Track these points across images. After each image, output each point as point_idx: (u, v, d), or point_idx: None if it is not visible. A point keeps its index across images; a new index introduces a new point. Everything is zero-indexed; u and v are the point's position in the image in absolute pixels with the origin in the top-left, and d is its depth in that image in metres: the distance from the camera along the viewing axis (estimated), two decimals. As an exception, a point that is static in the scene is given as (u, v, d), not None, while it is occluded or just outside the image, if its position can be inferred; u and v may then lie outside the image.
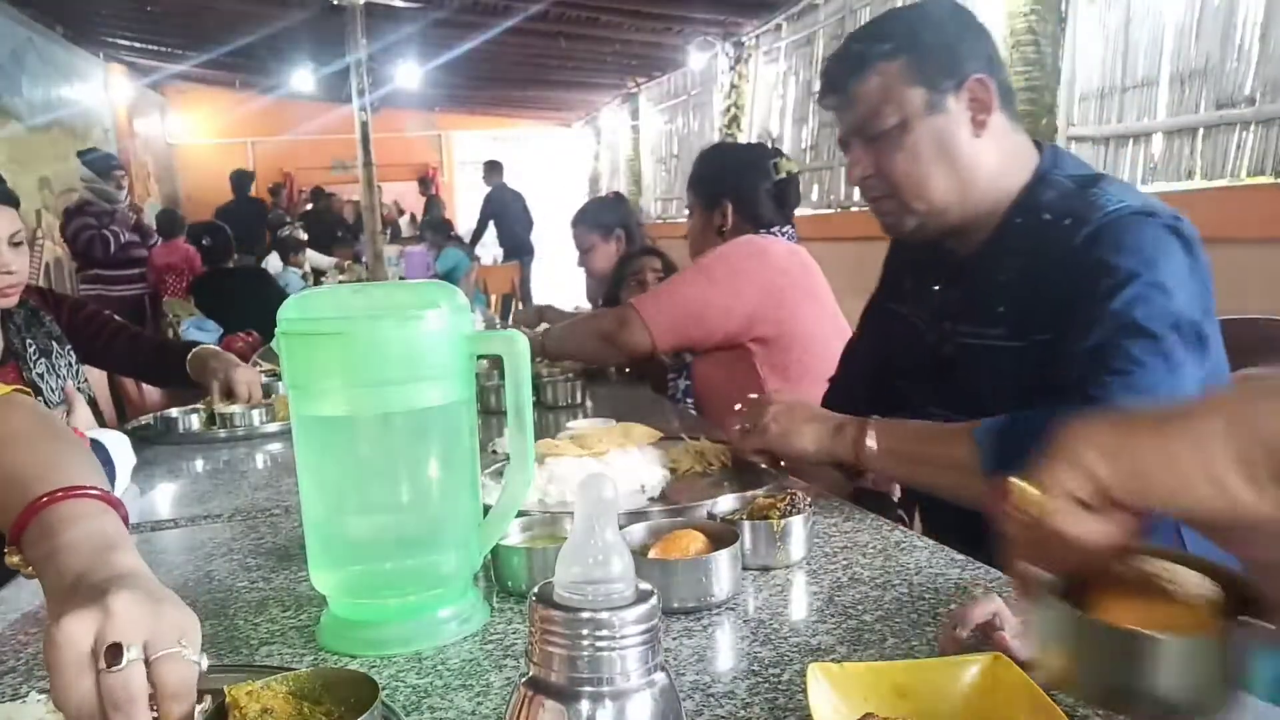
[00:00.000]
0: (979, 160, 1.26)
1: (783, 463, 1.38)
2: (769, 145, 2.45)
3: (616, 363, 2.51)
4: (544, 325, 2.65)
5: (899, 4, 1.45)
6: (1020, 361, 1.20)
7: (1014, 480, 0.54)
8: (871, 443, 1.23)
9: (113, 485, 1.43)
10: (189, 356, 2.13)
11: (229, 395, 2.03)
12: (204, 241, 6.15)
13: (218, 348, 2.23)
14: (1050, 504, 0.52)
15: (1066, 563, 0.54)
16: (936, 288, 1.37)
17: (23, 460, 0.77)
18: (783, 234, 2.19)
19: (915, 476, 1.29)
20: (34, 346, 1.90)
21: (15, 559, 0.71)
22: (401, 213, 12.59)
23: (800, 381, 2.03)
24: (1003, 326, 1.24)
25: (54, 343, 1.97)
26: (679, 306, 2.06)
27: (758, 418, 1.34)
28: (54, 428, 0.86)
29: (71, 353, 2.01)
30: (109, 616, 0.59)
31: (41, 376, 1.87)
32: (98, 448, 1.43)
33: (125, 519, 0.74)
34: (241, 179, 9.69)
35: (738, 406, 1.43)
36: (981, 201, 1.27)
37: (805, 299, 2.07)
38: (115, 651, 0.58)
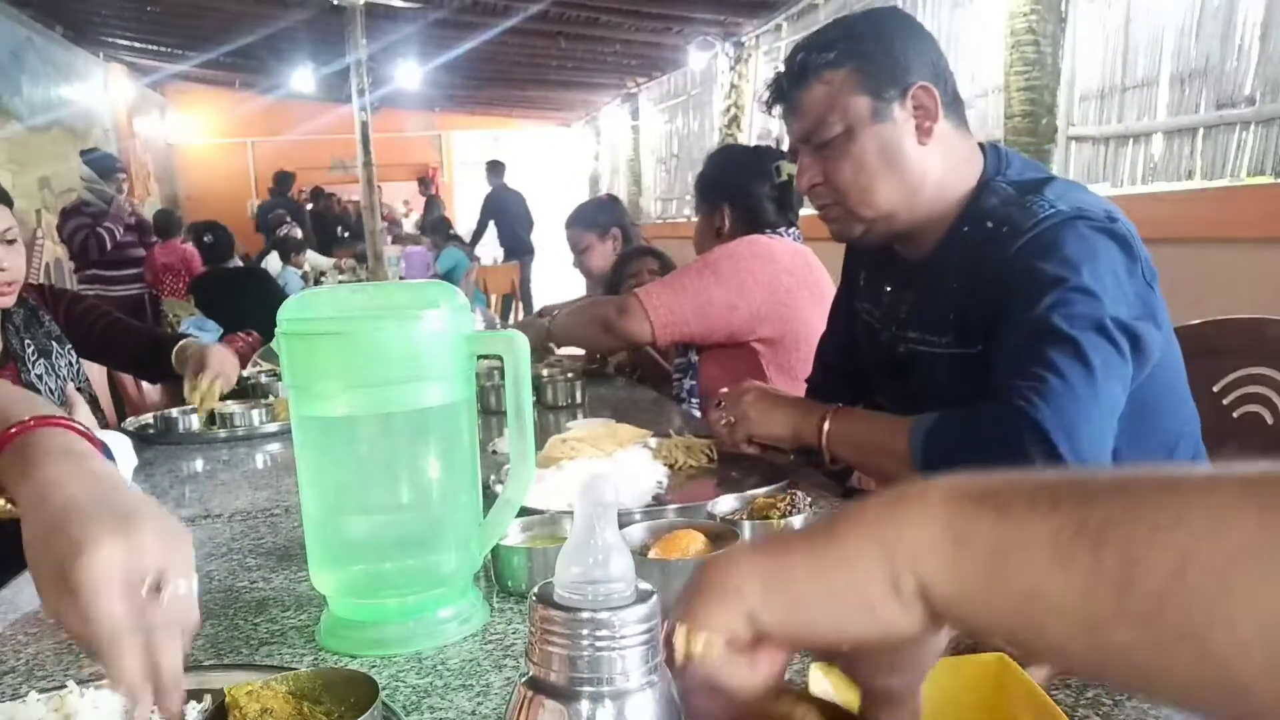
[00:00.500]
0: (925, 167, 1.26)
1: (782, 450, 1.41)
2: (774, 147, 2.44)
3: (615, 350, 2.48)
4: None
5: (898, 4, 1.46)
6: (965, 370, 1.23)
7: (675, 625, 0.50)
8: (827, 428, 1.30)
9: None
10: (175, 350, 2.15)
11: (199, 374, 2.04)
12: (205, 239, 6.15)
13: (204, 342, 2.23)
14: (705, 647, 0.48)
15: (726, 711, 0.50)
16: (889, 289, 1.39)
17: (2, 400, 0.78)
18: (788, 234, 2.19)
19: (864, 465, 1.38)
20: (33, 347, 1.90)
21: None
22: (408, 214, 12.63)
23: (804, 367, 2.04)
24: (950, 334, 1.26)
25: (53, 342, 1.97)
26: (683, 300, 2.05)
27: (736, 408, 1.41)
28: (29, 394, 0.88)
29: (71, 351, 2.01)
30: (140, 552, 0.62)
31: (40, 377, 1.88)
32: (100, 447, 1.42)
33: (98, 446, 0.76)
34: (284, 179, 10.83)
35: (716, 403, 1.48)
36: (929, 208, 1.28)
37: (810, 299, 2.08)
38: (158, 582, 0.62)
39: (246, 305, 5.36)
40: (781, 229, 2.19)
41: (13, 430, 0.72)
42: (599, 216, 3.28)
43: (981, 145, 1.32)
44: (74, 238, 5.65)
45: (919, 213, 1.28)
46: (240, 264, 6.81)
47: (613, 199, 3.70)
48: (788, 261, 2.09)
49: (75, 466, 0.69)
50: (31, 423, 0.72)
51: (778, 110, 1.36)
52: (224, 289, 5.77)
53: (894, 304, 1.37)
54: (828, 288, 2.15)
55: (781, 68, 1.34)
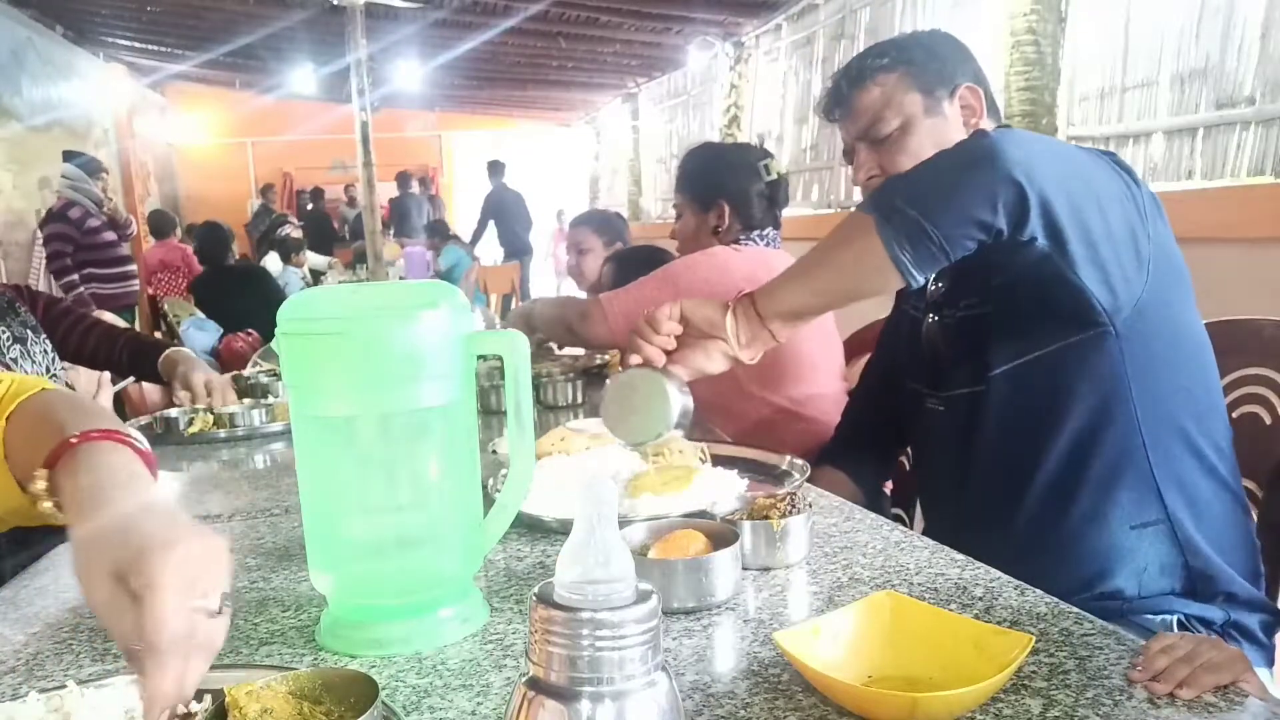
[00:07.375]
0: None
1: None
2: (758, 146, 2.44)
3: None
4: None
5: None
6: (993, 325, 1.31)
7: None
8: (761, 309, 1.32)
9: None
10: (161, 359, 2.16)
11: (189, 394, 2.08)
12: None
13: (188, 350, 2.25)
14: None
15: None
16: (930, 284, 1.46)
17: (62, 413, 0.83)
18: (762, 239, 2.20)
19: (825, 285, 1.30)
20: (8, 334, 1.91)
21: (40, 485, 0.75)
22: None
23: (780, 382, 2.08)
24: (975, 295, 1.34)
25: (29, 331, 1.98)
26: (643, 306, 2.07)
27: (663, 328, 1.32)
28: (84, 405, 0.91)
29: (47, 341, 2.02)
30: (202, 566, 0.64)
31: (15, 361, 1.88)
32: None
33: (153, 468, 0.79)
34: (267, 191, 11.64)
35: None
36: None
37: None
38: (223, 600, 0.65)
39: (247, 304, 5.37)
40: (758, 231, 2.20)
41: (72, 441, 0.75)
42: (591, 227, 3.32)
43: None
44: (51, 242, 5.65)
45: None
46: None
47: (607, 218, 3.60)
48: (746, 271, 2.09)
49: (129, 478, 0.73)
50: (94, 435, 0.76)
51: (836, 113, 1.49)
52: (224, 288, 5.77)
53: (932, 291, 1.45)
54: None
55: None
